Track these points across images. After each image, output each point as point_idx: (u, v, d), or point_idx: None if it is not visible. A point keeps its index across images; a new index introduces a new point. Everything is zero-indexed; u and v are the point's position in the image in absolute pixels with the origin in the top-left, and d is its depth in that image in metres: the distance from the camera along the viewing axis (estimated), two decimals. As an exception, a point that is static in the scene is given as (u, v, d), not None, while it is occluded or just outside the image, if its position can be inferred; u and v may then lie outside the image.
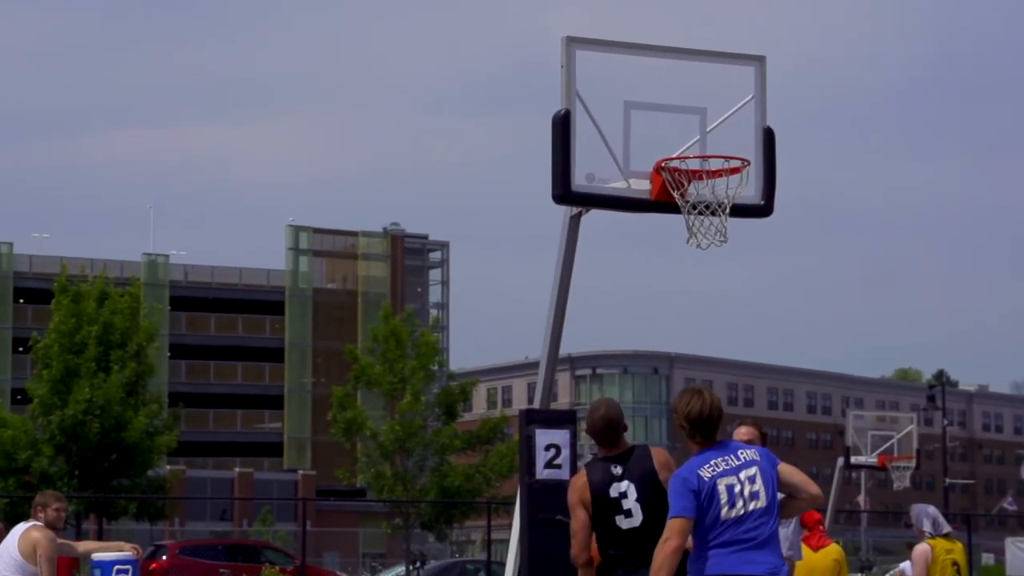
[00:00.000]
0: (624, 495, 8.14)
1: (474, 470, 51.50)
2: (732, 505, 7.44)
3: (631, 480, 8.16)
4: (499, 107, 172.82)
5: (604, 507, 8.13)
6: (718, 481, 7.47)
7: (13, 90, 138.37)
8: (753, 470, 7.53)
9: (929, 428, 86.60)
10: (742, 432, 9.53)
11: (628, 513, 8.13)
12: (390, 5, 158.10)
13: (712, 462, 7.50)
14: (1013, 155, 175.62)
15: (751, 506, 7.47)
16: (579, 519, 8.16)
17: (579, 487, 8.23)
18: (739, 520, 7.44)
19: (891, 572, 23.83)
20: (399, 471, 51.35)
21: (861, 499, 53.46)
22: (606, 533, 8.16)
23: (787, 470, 7.63)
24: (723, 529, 7.44)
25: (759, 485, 7.50)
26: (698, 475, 7.44)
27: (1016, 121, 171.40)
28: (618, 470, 8.19)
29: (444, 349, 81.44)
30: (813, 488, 7.65)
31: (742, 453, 7.58)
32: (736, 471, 7.50)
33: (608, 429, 8.31)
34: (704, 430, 7.57)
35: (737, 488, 7.46)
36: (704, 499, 7.44)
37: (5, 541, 12.37)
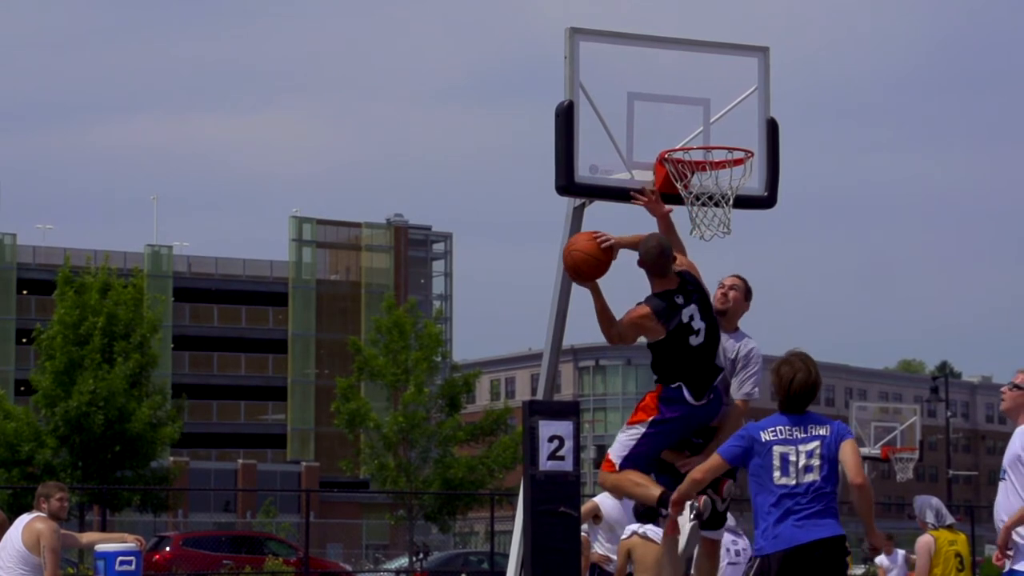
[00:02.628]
0: (693, 317, 9.27)
1: (477, 461, 51.53)
2: (785, 472, 7.69)
3: (695, 303, 9.31)
4: (503, 97, 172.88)
5: (680, 331, 9.24)
6: (775, 447, 7.73)
7: (16, 80, 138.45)
8: (814, 444, 7.75)
9: (932, 419, 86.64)
10: (727, 282, 9.90)
11: (697, 333, 9.27)
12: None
13: (778, 427, 7.79)
14: (1017, 145, 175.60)
15: (805, 478, 7.69)
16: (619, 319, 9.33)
17: (641, 314, 9.24)
18: (795, 491, 7.67)
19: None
20: (402, 462, 51.38)
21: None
22: (679, 352, 9.26)
23: (845, 449, 7.80)
24: (780, 497, 7.69)
25: (816, 460, 7.72)
26: (760, 434, 7.78)
27: (1020, 110, 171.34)
28: (680, 299, 9.29)
29: (447, 340, 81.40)
30: (853, 475, 7.82)
31: (812, 428, 7.80)
32: (796, 443, 7.74)
33: (662, 257, 9.34)
34: (788, 402, 7.85)
35: (792, 458, 7.70)
36: (756, 458, 7.74)
37: (9, 532, 12.37)
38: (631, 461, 9.38)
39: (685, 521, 8.94)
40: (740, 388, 9.73)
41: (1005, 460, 9.31)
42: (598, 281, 9.62)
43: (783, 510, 7.67)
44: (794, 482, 7.68)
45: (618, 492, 9.52)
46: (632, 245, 9.60)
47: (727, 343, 9.81)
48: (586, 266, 9.53)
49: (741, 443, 7.83)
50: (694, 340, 9.32)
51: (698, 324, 9.34)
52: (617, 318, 9.46)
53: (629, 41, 10.95)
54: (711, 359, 9.43)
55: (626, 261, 9.77)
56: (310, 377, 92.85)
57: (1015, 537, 9.21)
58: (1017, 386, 9.39)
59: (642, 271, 9.65)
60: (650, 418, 9.40)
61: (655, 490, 9.20)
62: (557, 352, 11.70)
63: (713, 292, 9.84)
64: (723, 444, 7.93)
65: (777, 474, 7.70)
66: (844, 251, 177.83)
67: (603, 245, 9.49)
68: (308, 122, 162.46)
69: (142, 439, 44.38)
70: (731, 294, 9.86)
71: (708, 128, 10.83)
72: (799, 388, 7.81)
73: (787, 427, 7.77)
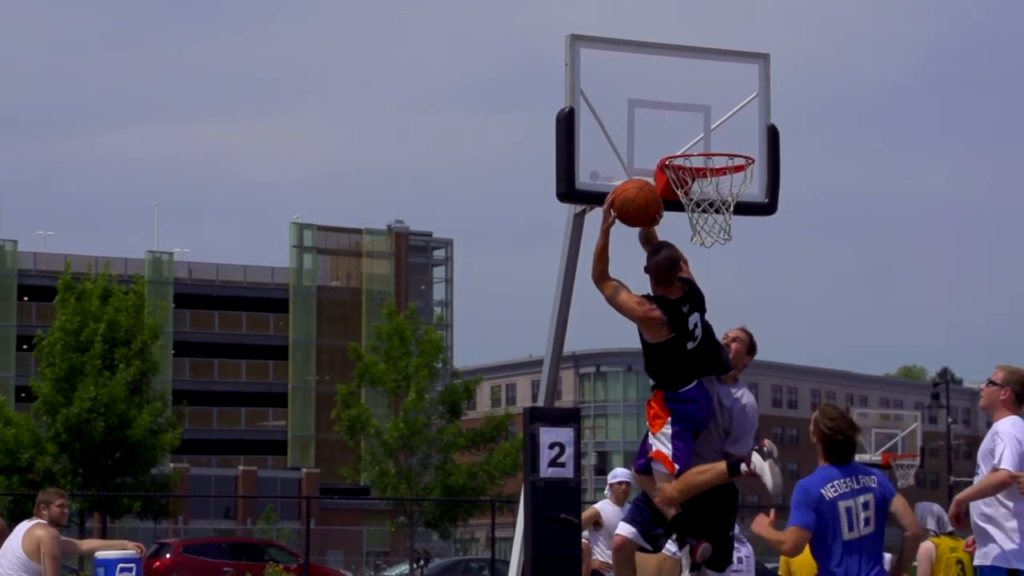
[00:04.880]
0: (696, 326, 9.65)
1: (478, 468, 51.51)
2: (851, 527, 7.96)
3: (697, 311, 9.70)
4: (504, 104, 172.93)
5: (682, 337, 9.60)
6: (839, 503, 7.97)
7: (17, 87, 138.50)
8: (868, 496, 8.03)
9: (933, 426, 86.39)
10: (731, 334, 10.06)
11: (696, 340, 9.66)
12: (394, 2, 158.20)
13: (835, 482, 8.01)
14: (1018, 150, 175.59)
15: (864, 530, 7.99)
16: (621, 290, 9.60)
17: (654, 316, 9.54)
18: (858, 544, 7.97)
19: None
20: (403, 469, 51.35)
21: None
22: (677, 355, 9.62)
23: (900, 504, 8.18)
24: (846, 553, 7.96)
25: (872, 512, 8.01)
26: (821, 493, 7.97)
27: (1021, 115, 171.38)
28: (687, 308, 9.65)
29: (448, 347, 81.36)
30: (913, 527, 8.28)
31: (863, 479, 8.07)
32: (855, 495, 8.00)
33: (672, 269, 9.68)
34: (837, 454, 8.06)
35: (854, 511, 7.97)
36: (824, 516, 7.94)
37: (9, 539, 12.36)
38: (681, 462, 9.62)
39: (763, 465, 9.29)
40: (736, 443, 9.86)
41: (979, 455, 9.44)
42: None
43: (851, 563, 7.98)
44: (857, 535, 7.98)
45: (689, 492, 9.67)
46: (649, 236, 9.95)
47: (725, 391, 9.93)
48: (647, 211, 9.81)
49: (811, 506, 8.00)
50: (691, 345, 9.65)
51: (699, 332, 9.69)
52: (612, 276, 9.73)
53: (630, 48, 10.94)
54: (706, 360, 9.75)
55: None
56: (311, 383, 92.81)
57: (980, 522, 9.31)
58: (993, 382, 9.44)
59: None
60: (668, 418, 9.66)
61: (720, 465, 9.56)
62: (558, 359, 11.68)
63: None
64: (795, 517, 8.01)
65: (845, 529, 7.96)
66: (845, 257, 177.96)
67: (657, 215, 9.89)
68: (308, 128, 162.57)
69: (142, 446, 44.35)
70: (733, 346, 10.02)
71: (709, 135, 10.83)
72: (849, 439, 8.07)
73: (842, 480, 8.02)
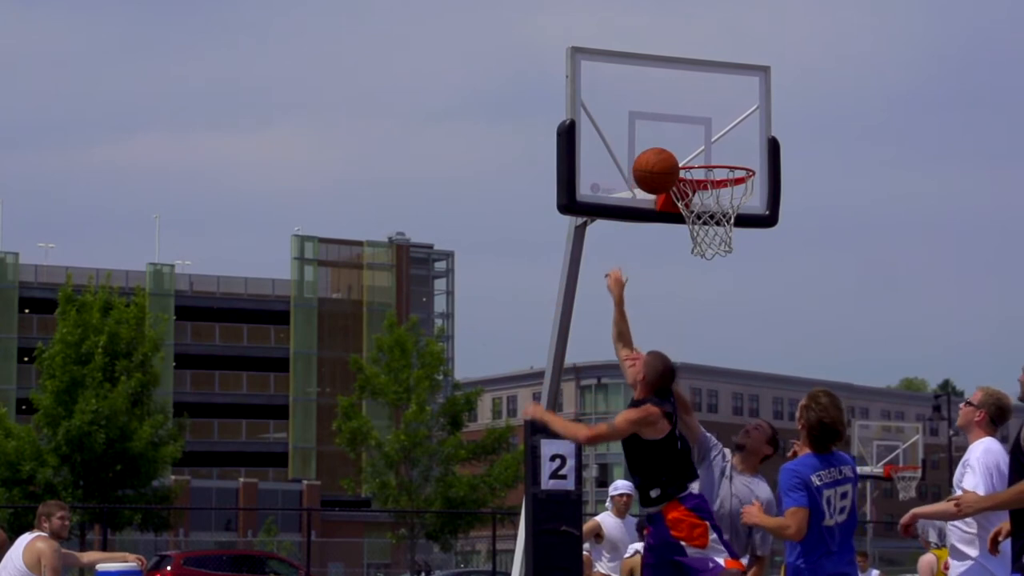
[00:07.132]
0: (679, 429, 9.46)
1: (479, 480, 51.48)
2: (831, 515, 8.06)
3: (677, 415, 9.49)
4: (505, 115, 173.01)
5: (673, 439, 9.34)
6: (824, 491, 8.05)
7: (17, 99, 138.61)
8: (847, 487, 8.14)
9: (935, 438, 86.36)
10: (754, 423, 9.99)
11: (678, 438, 9.44)
12: (395, 14, 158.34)
13: (820, 472, 8.08)
14: (1019, 161, 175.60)
15: (839, 519, 8.09)
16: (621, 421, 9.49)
17: (654, 413, 9.37)
18: (833, 532, 8.07)
19: None
20: (404, 481, 51.33)
21: (867, 509, 53.44)
22: (670, 455, 9.36)
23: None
24: (823, 538, 8.03)
25: (848, 502, 8.14)
26: (811, 478, 8.03)
27: (1023, 127, 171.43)
28: (669, 407, 9.40)
29: (449, 359, 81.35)
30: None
31: (843, 469, 8.17)
32: (835, 485, 8.10)
33: (673, 379, 9.49)
34: (822, 443, 8.13)
35: (834, 500, 8.07)
36: (811, 502, 8.01)
37: (10, 552, 12.36)
38: (739, 556, 9.46)
39: None
40: (764, 543, 9.73)
41: (954, 480, 9.46)
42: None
43: (826, 549, 8.05)
44: (833, 523, 8.06)
45: None
46: (623, 334, 9.87)
47: (743, 484, 9.68)
48: (667, 181, 10.21)
49: (805, 489, 8.02)
50: (679, 445, 9.40)
51: (679, 436, 9.50)
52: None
53: (630, 60, 10.97)
54: (688, 463, 9.51)
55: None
56: (312, 395, 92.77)
57: (957, 543, 9.32)
58: (970, 403, 9.44)
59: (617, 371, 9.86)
60: (707, 524, 9.26)
61: None
62: (559, 370, 11.70)
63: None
64: (792, 499, 8.02)
65: (827, 517, 8.03)
66: (846, 269, 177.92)
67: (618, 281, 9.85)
68: (309, 140, 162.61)
69: (143, 458, 44.35)
70: (754, 433, 9.80)
71: (709, 147, 10.85)
72: (837, 429, 8.12)
73: (826, 470, 8.08)
